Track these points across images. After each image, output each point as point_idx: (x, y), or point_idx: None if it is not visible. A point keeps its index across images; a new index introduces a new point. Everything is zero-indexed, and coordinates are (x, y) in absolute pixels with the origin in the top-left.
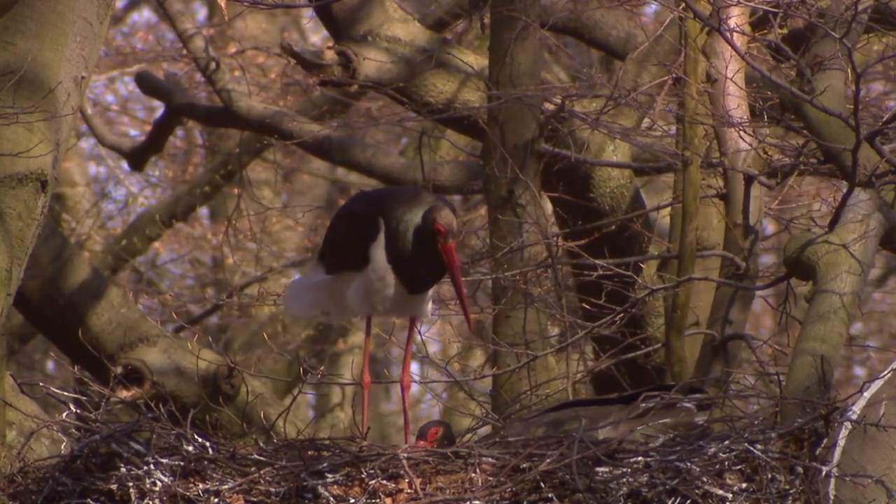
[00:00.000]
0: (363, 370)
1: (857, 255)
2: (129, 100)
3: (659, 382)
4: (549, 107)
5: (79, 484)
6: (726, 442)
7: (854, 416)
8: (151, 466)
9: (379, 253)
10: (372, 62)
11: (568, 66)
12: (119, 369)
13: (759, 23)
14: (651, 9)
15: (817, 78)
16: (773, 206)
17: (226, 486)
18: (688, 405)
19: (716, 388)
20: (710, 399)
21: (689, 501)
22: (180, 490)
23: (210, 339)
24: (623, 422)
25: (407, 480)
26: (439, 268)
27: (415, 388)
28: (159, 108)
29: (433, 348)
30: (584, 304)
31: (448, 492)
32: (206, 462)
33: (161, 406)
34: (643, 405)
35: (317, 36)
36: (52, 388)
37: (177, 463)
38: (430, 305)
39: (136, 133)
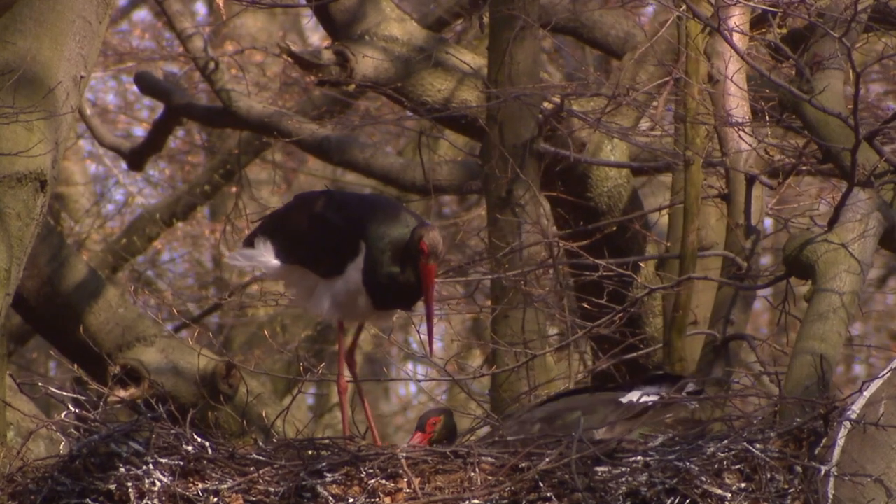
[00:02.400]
0: (339, 374)
1: (856, 254)
2: (129, 99)
3: (654, 373)
4: (548, 106)
5: (78, 484)
6: (725, 441)
7: (853, 416)
8: (150, 466)
9: (355, 273)
10: (369, 62)
11: (563, 68)
12: (117, 369)
13: (759, 22)
14: (650, 8)
15: (816, 77)
16: (771, 206)
17: (225, 486)
18: (686, 402)
19: (717, 388)
20: (709, 398)
21: (688, 501)
22: (179, 490)
23: (210, 335)
24: (620, 422)
25: (406, 480)
26: (411, 292)
27: (414, 387)
28: (159, 107)
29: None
30: (583, 304)
31: (447, 491)
32: (205, 462)
33: (160, 405)
34: (642, 401)
35: (316, 35)
36: (50, 388)
37: (176, 463)
38: (393, 319)
39: (137, 132)
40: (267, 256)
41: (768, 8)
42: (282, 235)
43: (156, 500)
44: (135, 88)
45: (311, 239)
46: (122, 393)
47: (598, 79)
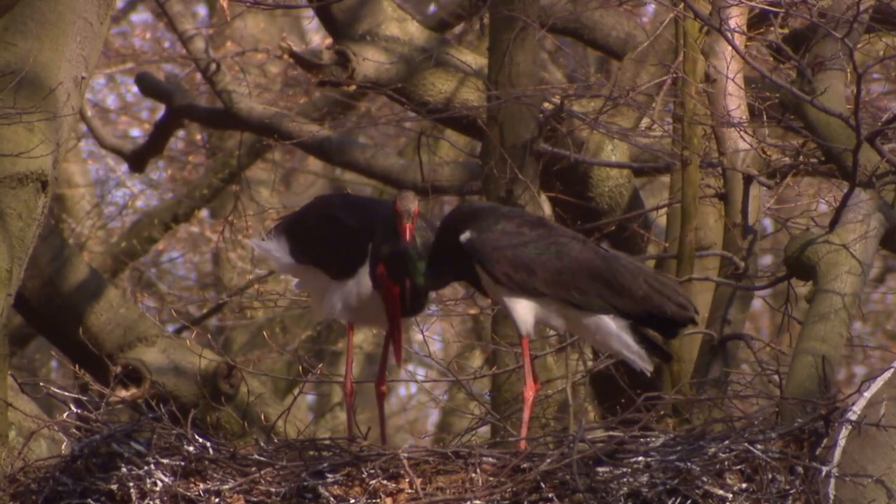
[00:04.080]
0: (346, 376)
1: (857, 255)
2: (129, 101)
3: (656, 383)
4: (548, 107)
5: (79, 484)
6: (726, 442)
7: (854, 417)
8: (152, 466)
9: (366, 277)
10: (370, 62)
11: (565, 67)
12: (118, 369)
13: (759, 21)
14: (650, 9)
15: (818, 78)
16: (770, 206)
17: (226, 486)
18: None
19: (715, 388)
20: (710, 398)
21: (689, 501)
22: (181, 490)
23: (210, 337)
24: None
25: (407, 480)
26: (411, 302)
27: (414, 387)
28: (158, 108)
29: (433, 347)
30: None
31: (448, 492)
32: (206, 462)
33: (161, 406)
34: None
35: (317, 36)
36: (52, 388)
37: (177, 463)
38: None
39: (137, 133)
40: (282, 254)
41: (769, 8)
42: (297, 235)
43: (157, 501)
44: (135, 89)
45: (323, 239)
46: (124, 393)
47: (600, 79)
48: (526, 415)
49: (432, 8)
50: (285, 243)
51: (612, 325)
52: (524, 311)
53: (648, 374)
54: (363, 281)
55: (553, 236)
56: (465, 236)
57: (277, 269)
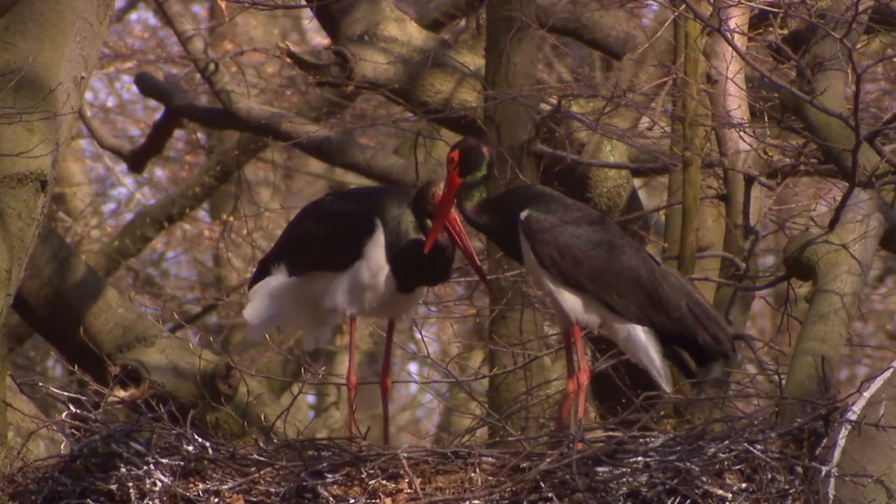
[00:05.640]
0: (349, 371)
1: (857, 255)
2: (126, 100)
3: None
4: (546, 107)
5: (78, 484)
6: (726, 442)
7: (854, 416)
8: (151, 466)
9: (376, 252)
10: (369, 63)
11: (570, 65)
12: (117, 369)
13: (758, 22)
14: (650, 8)
15: (817, 78)
16: (769, 206)
17: (226, 486)
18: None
19: (716, 388)
20: (710, 398)
21: (688, 501)
22: (180, 490)
23: (210, 338)
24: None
25: (407, 480)
26: (438, 268)
27: (414, 387)
28: (153, 106)
29: (433, 348)
30: None
31: (448, 492)
32: (205, 462)
33: (161, 406)
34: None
35: (317, 36)
36: (51, 388)
37: (177, 463)
38: (414, 308)
39: (136, 132)
40: (280, 278)
41: (769, 9)
42: (292, 246)
43: (157, 501)
44: (133, 89)
45: (321, 237)
46: (122, 393)
47: (601, 79)
48: (582, 399)
49: (432, 6)
50: (281, 267)
51: (642, 337)
52: (571, 300)
53: (667, 391)
54: (372, 256)
55: (608, 236)
56: (524, 213)
57: (280, 305)
